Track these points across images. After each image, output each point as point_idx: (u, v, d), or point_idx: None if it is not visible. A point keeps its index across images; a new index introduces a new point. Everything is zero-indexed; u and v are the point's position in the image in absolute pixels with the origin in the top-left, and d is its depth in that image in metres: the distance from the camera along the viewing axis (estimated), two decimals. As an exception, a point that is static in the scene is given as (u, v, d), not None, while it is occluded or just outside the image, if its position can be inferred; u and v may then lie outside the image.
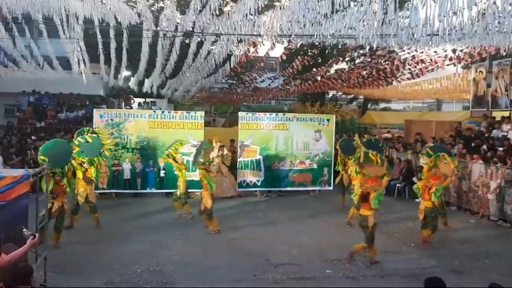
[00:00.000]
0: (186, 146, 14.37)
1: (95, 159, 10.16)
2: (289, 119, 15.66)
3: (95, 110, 15.52)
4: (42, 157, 8.50)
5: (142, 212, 12.65)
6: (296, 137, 15.41)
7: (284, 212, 12.97)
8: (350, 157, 12.77)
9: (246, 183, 14.97)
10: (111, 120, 14.35)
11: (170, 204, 12.63)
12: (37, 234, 5.14)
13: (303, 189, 15.63)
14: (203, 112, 15.81)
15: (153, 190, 14.53)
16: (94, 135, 10.74)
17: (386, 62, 16.04)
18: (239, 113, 16.35)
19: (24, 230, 5.51)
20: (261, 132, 15.20)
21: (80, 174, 9.96)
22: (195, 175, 14.39)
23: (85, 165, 10.06)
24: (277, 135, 15.34)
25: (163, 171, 14.36)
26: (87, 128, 12.75)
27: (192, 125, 14.72)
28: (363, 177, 8.99)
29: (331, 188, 15.51)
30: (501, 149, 13.52)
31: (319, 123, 15.74)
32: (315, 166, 15.47)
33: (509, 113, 16.48)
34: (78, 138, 10.30)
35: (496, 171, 12.09)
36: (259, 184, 15.18)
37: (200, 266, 8.25)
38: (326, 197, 15.30)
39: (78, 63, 16.69)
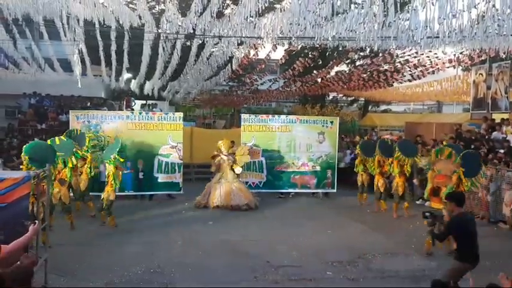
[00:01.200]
0: (165, 147, 14.36)
1: (69, 159, 10.01)
2: (293, 121, 15.67)
3: (71, 111, 15.04)
4: (25, 156, 8.60)
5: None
6: (299, 139, 15.39)
7: (284, 214, 12.99)
8: (371, 158, 13.29)
9: (248, 185, 14.92)
10: (88, 122, 14.07)
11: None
12: (37, 221, 5.13)
13: (306, 191, 15.61)
14: (181, 113, 15.65)
15: (131, 192, 14.21)
16: (63, 137, 10.61)
17: (387, 64, 16.09)
18: (242, 115, 16.36)
19: (24, 222, 5.59)
20: (263, 134, 15.21)
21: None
22: (174, 177, 14.47)
23: (58, 166, 9.87)
24: (280, 137, 15.34)
25: (142, 173, 14.10)
26: (75, 128, 12.69)
27: (171, 126, 14.47)
28: (434, 172, 9.70)
29: (335, 190, 15.51)
30: (502, 151, 13.55)
31: (323, 126, 15.70)
32: (318, 168, 15.42)
33: (508, 116, 16.48)
34: (48, 140, 10.23)
35: (496, 173, 12.10)
36: (261, 186, 15.19)
37: (200, 267, 8.26)
38: (328, 199, 15.32)
39: (78, 66, 16.72)
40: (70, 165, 10.14)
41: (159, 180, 14.35)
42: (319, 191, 15.70)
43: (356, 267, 8.46)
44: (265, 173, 15.19)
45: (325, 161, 15.56)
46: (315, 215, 12.93)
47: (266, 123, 15.33)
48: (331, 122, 15.93)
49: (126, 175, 13.79)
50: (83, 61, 17.00)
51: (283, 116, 16.11)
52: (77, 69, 16.72)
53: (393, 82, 19.16)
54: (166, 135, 14.36)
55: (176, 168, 14.45)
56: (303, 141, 15.42)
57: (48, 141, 10.08)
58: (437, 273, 7.97)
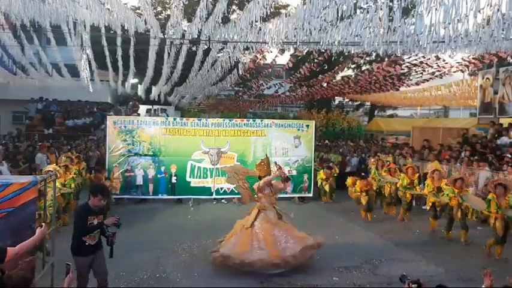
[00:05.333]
0: (197, 152, 14.56)
1: None
2: (268, 125, 15.41)
3: (108, 117, 15.67)
4: None
5: (151, 218, 12.73)
6: (275, 144, 15.16)
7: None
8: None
9: (223, 191, 14.86)
10: (125, 127, 14.56)
11: (180, 210, 12.67)
12: (44, 224, 5.15)
13: (282, 196, 15.33)
14: (214, 120, 15.69)
15: (165, 196, 14.63)
16: None
17: (394, 69, 16.03)
18: (216, 119, 15.95)
19: (31, 224, 5.65)
20: (238, 139, 15.02)
21: None
22: (206, 182, 14.62)
23: None
24: (255, 141, 15.10)
25: (175, 178, 14.52)
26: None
27: (203, 131, 14.79)
28: None
29: (311, 194, 15.40)
30: (509, 155, 13.46)
31: (298, 129, 15.54)
32: (294, 173, 15.06)
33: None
34: None
35: (503, 178, 12.01)
36: (236, 191, 14.96)
37: (206, 273, 8.25)
38: (332, 204, 15.26)
39: (86, 71, 16.84)
40: None
41: (192, 184, 14.68)
42: (296, 195, 15.44)
43: (362, 273, 8.42)
44: None
45: (301, 165, 15.42)
46: (321, 220, 12.88)
47: (241, 128, 15.13)
48: (307, 126, 15.77)
49: (160, 179, 14.53)
50: (89, 66, 17.12)
51: (258, 120, 15.80)
52: (86, 74, 16.90)
53: (400, 86, 19.13)
54: (199, 141, 14.61)
55: (208, 173, 14.72)
56: (279, 146, 15.17)
57: None
58: (444, 278, 7.95)
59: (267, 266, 7.96)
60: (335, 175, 15.93)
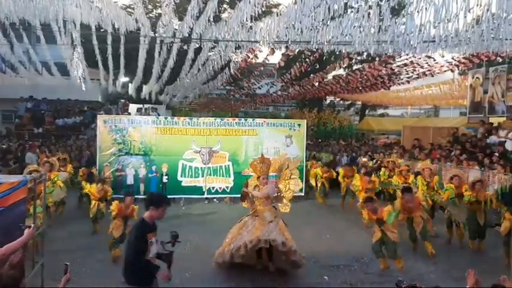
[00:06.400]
0: (189, 151, 14.52)
1: None
2: (259, 124, 15.43)
3: (99, 116, 15.65)
4: None
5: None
6: (266, 143, 15.11)
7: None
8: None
9: (215, 190, 14.87)
10: (115, 126, 14.47)
11: (171, 210, 12.53)
12: (32, 225, 5.09)
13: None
14: (205, 119, 15.70)
15: None
16: None
17: (385, 69, 16.11)
18: (207, 118, 15.95)
19: (21, 225, 5.55)
20: (230, 138, 15.01)
21: None
22: (198, 181, 14.59)
23: None
24: (247, 140, 15.07)
25: (166, 177, 14.45)
26: None
27: (195, 131, 14.75)
28: None
29: (303, 193, 15.42)
30: (497, 154, 13.59)
31: (290, 129, 15.56)
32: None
33: (504, 120, 16.53)
34: None
35: (492, 176, 12.11)
36: (228, 190, 14.90)
37: (198, 273, 8.22)
38: (325, 203, 15.28)
39: (77, 69, 16.72)
40: None
41: (183, 184, 14.64)
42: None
43: (353, 272, 8.45)
44: (232, 178, 14.91)
45: None
46: (312, 219, 12.88)
47: (232, 127, 15.12)
48: (299, 125, 15.80)
49: (151, 178, 14.45)
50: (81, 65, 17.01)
51: (249, 119, 15.85)
52: (79, 72, 16.79)
53: (390, 85, 19.24)
54: (190, 140, 14.59)
55: (200, 172, 14.69)
56: (271, 145, 15.10)
57: None
58: (435, 277, 8.00)
59: (255, 244, 7.75)
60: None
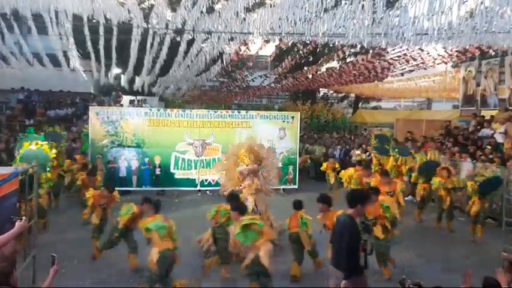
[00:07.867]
0: (182, 144, 14.49)
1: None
2: (253, 116, 15.47)
3: (90, 107, 15.62)
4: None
5: None
6: (260, 135, 14.64)
7: (277, 213, 12.95)
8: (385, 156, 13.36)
9: (208, 182, 14.88)
10: (108, 118, 14.44)
11: (163, 202, 12.49)
12: (24, 218, 5.05)
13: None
14: (198, 111, 15.73)
15: (149, 188, 14.50)
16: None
17: (378, 61, 16.11)
18: (200, 110, 15.94)
19: (12, 217, 5.49)
20: (223, 130, 15.00)
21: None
22: (190, 173, 14.55)
23: None
24: (240, 133, 14.95)
25: (159, 169, 14.46)
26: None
27: (188, 123, 14.74)
28: None
29: (296, 186, 15.42)
30: (489, 147, 13.65)
31: (283, 121, 15.63)
32: (279, 164, 14.53)
33: (496, 113, 16.60)
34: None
35: (484, 169, 12.16)
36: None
37: (190, 264, 8.21)
38: (314, 195, 15.25)
39: (69, 60, 16.60)
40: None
41: (176, 176, 14.67)
42: (281, 187, 14.78)
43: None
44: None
45: (286, 157, 15.49)
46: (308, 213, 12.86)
47: (226, 119, 15.13)
48: (292, 117, 15.85)
49: (144, 170, 14.47)
50: (70, 56, 16.86)
51: (243, 112, 15.82)
52: (74, 62, 16.68)
53: (383, 77, 19.26)
54: (183, 132, 14.60)
55: (192, 164, 14.71)
56: (264, 137, 14.59)
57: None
58: (427, 270, 8.05)
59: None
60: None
